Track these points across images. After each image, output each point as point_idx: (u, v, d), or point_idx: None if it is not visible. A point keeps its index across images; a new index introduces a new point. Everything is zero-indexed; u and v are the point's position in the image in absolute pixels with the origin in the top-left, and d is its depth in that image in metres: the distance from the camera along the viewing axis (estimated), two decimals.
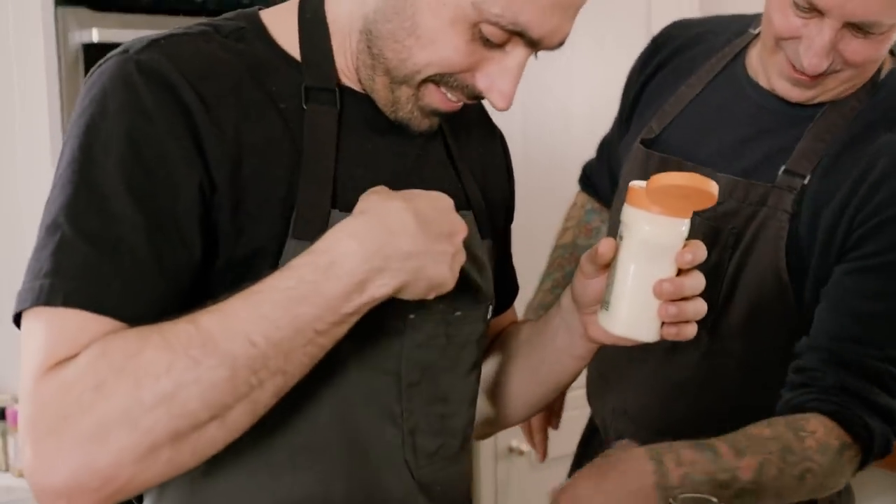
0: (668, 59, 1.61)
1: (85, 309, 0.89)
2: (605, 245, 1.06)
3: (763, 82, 1.46)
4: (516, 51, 1.01)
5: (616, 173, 1.65)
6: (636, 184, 1.05)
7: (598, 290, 1.09)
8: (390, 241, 0.93)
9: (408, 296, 0.96)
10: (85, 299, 0.89)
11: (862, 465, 1.37)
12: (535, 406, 1.30)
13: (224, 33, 1.05)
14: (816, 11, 1.31)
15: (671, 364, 1.48)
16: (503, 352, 1.26)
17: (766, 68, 1.44)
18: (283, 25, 1.08)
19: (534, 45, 1.01)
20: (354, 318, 0.94)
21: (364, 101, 1.07)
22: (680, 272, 1.06)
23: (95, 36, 1.97)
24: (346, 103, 1.06)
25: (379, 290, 0.93)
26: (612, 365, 1.58)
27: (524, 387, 1.25)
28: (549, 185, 1.96)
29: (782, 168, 1.40)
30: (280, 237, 0.99)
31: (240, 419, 0.91)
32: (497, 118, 1.28)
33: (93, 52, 1.98)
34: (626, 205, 1.05)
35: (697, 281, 1.06)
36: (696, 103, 1.53)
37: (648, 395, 1.52)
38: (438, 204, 0.98)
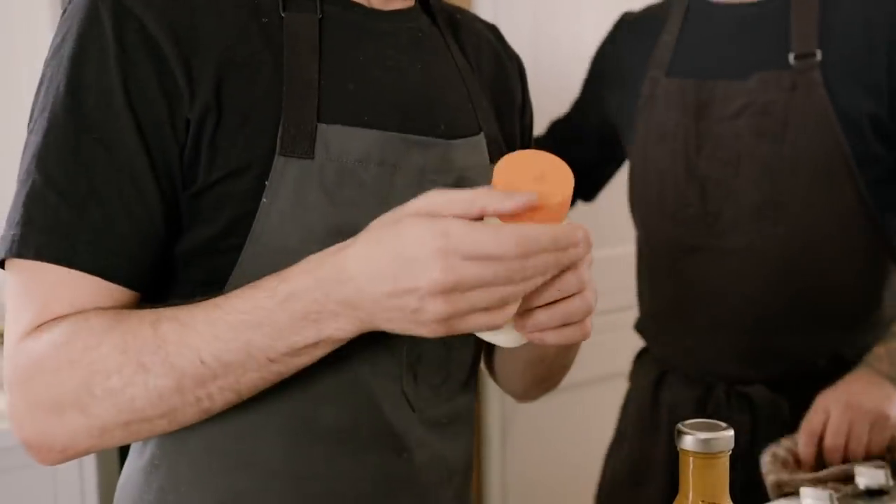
0: (633, 25, 1.75)
1: (57, 263, 0.90)
2: None
3: None
4: None
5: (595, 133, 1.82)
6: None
7: None
8: (339, 289, 0.85)
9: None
10: (56, 253, 0.90)
11: None
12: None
13: None
14: None
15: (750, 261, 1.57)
16: None
17: None
18: None
19: None
20: (317, 352, 0.89)
21: (352, 8, 1.03)
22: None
23: None
24: (329, 11, 1.02)
25: (336, 332, 0.87)
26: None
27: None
28: (560, 112, 1.94)
29: (791, 55, 1.49)
30: (266, 155, 0.95)
31: (189, 420, 0.92)
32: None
33: None
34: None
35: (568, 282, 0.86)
36: (682, 40, 1.63)
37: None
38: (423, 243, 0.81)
